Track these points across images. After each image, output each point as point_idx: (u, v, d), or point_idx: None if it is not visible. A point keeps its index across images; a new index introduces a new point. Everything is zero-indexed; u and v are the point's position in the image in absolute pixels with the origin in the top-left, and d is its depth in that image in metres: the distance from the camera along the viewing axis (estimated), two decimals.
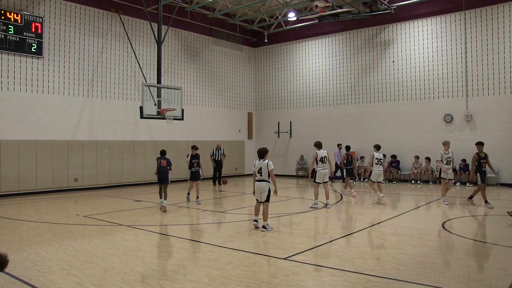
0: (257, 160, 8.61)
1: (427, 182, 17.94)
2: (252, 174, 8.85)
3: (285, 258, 6.41)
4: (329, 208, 11.35)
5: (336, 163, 17.91)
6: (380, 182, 12.58)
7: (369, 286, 5.15)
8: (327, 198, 11.56)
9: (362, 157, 19.59)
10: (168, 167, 11.65)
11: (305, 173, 21.72)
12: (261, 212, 8.63)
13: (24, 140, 14.87)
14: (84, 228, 8.98)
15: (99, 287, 5.21)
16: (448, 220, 9.54)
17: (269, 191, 8.52)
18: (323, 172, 11.38)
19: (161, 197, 11.57)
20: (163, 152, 12.02)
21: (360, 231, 8.43)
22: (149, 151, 18.49)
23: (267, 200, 8.52)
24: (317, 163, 11.39)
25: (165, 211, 11.03)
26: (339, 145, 18.28)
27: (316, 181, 11.44)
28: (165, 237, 8.32)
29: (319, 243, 7.57)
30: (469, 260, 6.56)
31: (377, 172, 12.45)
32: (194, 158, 12.40)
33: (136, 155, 18.18)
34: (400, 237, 7.85)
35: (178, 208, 11.78)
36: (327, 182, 11.55)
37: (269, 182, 8.49)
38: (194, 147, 12.57)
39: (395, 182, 18.48)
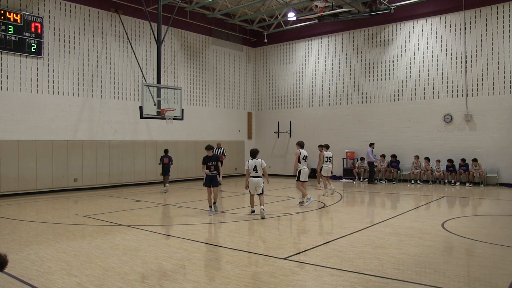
0: (250, 160, 10.07)
1: (427, 182, 17.93)
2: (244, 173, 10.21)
3: (285, 258, 6.40)
4: (306, 205, 11.61)
5: (372, 163, 18.46)
6: (329, 176, 14.34)
7: (369, 286, 5.15)
8: (303, 196, 11.90)
9: (362, 158, 19.54)
10: (170, 163, 15.57)
11: None
12: (257, 203, 10.22)
13: (24, 140, 14.87)
14: (84, 228, 8.98)
15: (99, 287, 5.21)
16: (448, 220, 9.54)
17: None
18: (306, 170, 11.73)
19: (164, 186, 15.48)
20: (166, 151, 15.71)
21: (360, 231, 8.43)
22: (149, 151, 18.49)
23: (263, 192, 10.11)
24: (299, 162, 11.63)
25: (165, 192, 15.19)
26: (371, 144, 18.76)
27: (300, 179, 11.71)
28: (165, 237, 8.31)
29: (319, 243, 7.56)
30: (469, 260, 6.57)
31: (327, 168, 14.16)
32: (210, 160, 10.48)
33: (136, 155, 18.18)
34: (400, 237, 7.85)
35: (178, 208, 11.78)
36: (307, 181, 11.88)
37: (263, 177, 10.15)
38: (209, 147, 10.62)
39: (395, 182, 18.47)
